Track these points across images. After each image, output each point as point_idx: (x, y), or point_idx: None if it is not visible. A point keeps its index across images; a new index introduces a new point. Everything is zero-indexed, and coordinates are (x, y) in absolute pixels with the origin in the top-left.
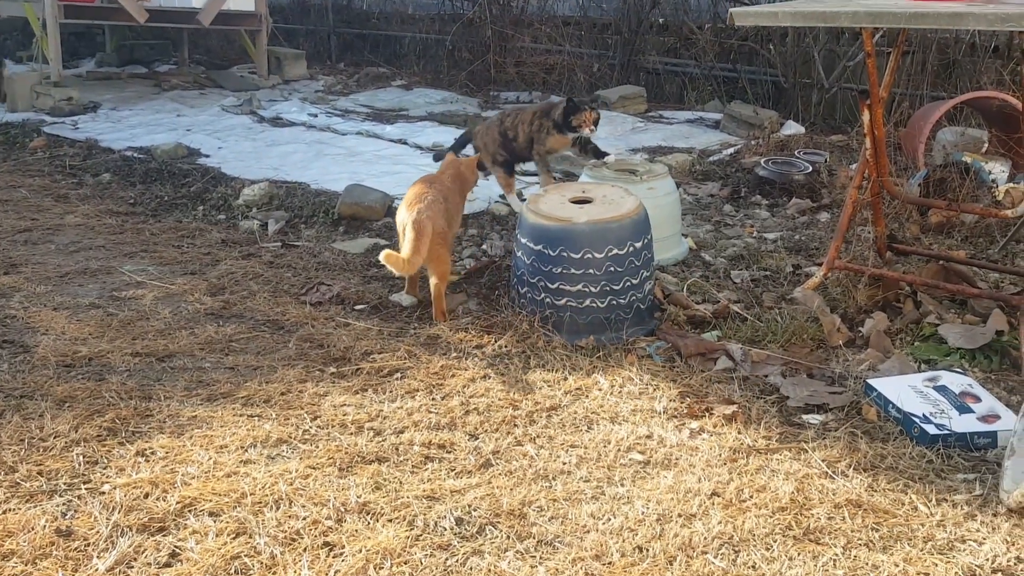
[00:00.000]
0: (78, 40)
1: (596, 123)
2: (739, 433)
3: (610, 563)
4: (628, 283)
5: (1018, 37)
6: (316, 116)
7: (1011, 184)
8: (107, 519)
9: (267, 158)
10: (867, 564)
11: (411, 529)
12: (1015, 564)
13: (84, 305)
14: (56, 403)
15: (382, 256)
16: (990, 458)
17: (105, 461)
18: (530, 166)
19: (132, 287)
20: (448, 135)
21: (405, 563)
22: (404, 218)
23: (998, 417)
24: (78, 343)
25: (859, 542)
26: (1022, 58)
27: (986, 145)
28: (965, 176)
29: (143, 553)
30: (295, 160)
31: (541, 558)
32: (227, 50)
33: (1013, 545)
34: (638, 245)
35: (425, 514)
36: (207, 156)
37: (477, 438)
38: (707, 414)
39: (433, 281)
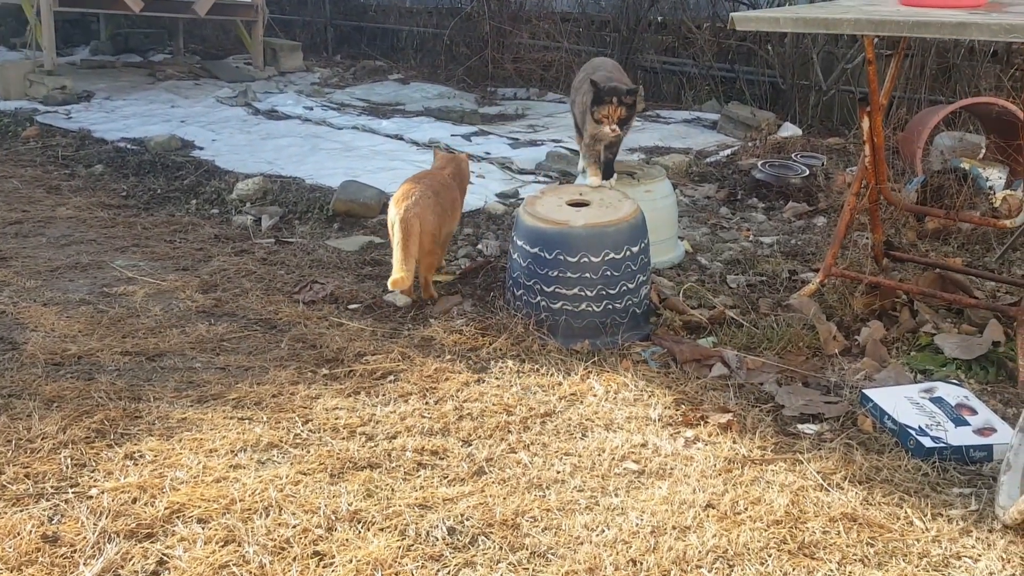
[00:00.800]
0: (72, 27)
1: (624, 123)
2: (734, 443)
3: None
4: (624, 287)
5: (1019, 44)
6: (312, 109)
7: (1008, 192)
8: (94, 525)
9: (261, 152)
10: None
11: (402, 539)
12: None
13: (74, 301)
14: (44, 403)
15: (390, 283)
16: (986, 472)
17: (93, 464)
18: (524, 162)
19: (123, 283)
20: (444, 131)
21: (396, 574)
22: (393, 216)
23: (994, 430)
24: (67, 340)
25: (854, 557)
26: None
27: (983, 151)
28: (963, 182)
29: (130, 561)
30: (290, 154)
31: (534, 570)
32: (223, 40)
33: (1008, 562)
34: (635, 249)
35: (417, 523)
36: (201, 148)
37: (470, 444)
38: (702, 422)
39: (421, 271)
